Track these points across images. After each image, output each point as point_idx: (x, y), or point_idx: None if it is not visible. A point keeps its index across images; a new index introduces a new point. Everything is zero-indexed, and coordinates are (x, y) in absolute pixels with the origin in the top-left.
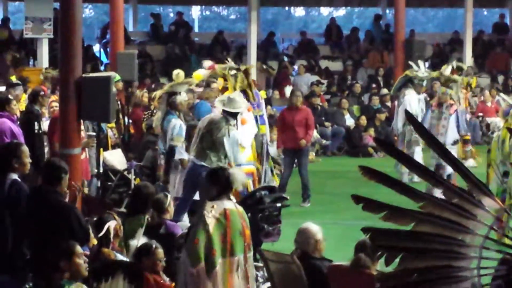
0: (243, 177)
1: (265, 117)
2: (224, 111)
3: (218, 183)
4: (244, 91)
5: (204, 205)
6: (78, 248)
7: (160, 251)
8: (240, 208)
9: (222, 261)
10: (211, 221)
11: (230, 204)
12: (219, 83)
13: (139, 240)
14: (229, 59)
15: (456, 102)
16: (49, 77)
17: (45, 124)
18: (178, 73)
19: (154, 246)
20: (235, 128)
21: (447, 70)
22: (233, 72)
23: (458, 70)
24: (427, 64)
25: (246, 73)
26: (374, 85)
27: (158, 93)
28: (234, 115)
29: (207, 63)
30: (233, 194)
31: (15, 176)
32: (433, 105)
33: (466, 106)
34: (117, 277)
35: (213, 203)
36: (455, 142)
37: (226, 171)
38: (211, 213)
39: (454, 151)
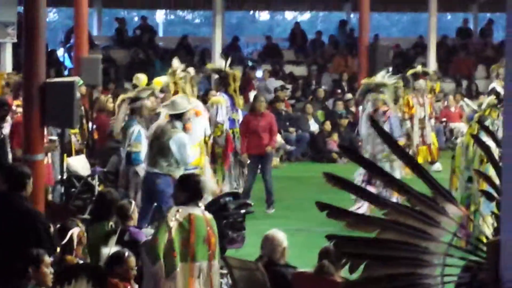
0: (213, 186)
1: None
2: (170, 115)
3: (188, 189)
4: (230, 96)
5: (169, 209)
6: (46, 257)
7: (132, 260)
8: (209, 216)
9: (182, 265)
10: (173, 224)
11: (197, 211)
12: (170, 87)
13: (112, 248)
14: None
15: (390, 107)
16: (10, 82)
17: (6, 129)
18: (138, 77)
19: (126, 254)
20: (181, 131)
21: (378, 76)
22: (182, 74)
23: (424, 74)
24: (390, 68)
25: (233, 78)
26: (338, 90)
27: (120, 98)
28: (179, 117)
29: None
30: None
31: None
32: (370, 112)
33: (430, 111)
34: (80, 280)
35: (179, 207)
36: None
37: (197, 178)
38: (175, 216)
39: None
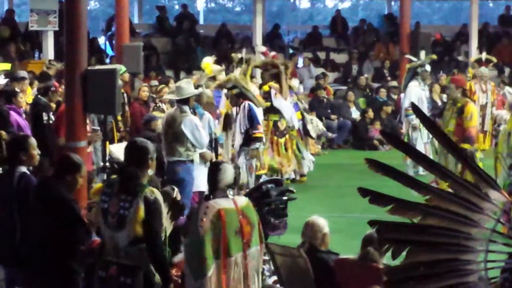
0: (232, 174)
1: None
2: (177, 101)
3: (209, 179)
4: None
5: (199, 207)
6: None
7: None
8: (242, 203)
9: (216, 263)
10: (205, 225)
11: (226, 203)
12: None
13: None
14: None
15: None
16: (53, 69)
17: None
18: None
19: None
20: (191, 114)
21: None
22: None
23: (487, 62)
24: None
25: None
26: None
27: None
28: (186, 102)
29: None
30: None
31: (24, 169)
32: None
33: (493, 98)
34: None
35: (208, 204)
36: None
37: (217, 167)
38: (205, 217)
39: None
